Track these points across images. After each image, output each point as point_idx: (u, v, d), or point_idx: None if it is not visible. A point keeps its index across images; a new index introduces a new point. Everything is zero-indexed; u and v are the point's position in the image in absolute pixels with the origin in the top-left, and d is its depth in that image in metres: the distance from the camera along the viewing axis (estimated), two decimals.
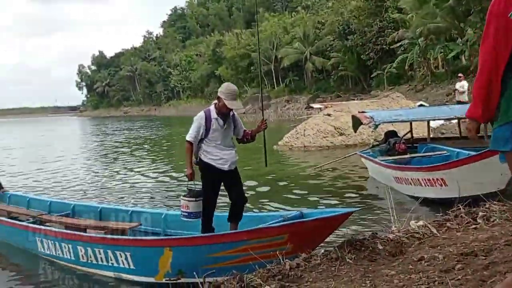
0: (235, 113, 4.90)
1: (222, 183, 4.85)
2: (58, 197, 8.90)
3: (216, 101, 4.75)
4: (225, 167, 4.70)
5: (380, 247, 3.52)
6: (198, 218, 4.83)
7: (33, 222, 6.25)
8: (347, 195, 8.74)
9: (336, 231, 4.76)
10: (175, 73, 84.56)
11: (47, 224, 6.21)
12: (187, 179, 4.90)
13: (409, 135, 10.38)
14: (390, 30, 40.21)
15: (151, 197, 9.75)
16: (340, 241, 5.11)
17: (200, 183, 4.82)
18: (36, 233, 5.81)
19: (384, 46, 40.72)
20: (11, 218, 6.63)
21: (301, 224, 4.33)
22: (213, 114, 4.71)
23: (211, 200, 4.79)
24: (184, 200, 4.86)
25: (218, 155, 4.70)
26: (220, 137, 4.71)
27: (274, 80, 61.62)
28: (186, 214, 4.84)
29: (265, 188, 9.67)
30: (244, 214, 4.94)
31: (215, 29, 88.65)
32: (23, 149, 24.39)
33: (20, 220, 6.46)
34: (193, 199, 4.80)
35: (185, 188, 4.96)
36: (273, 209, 7.72)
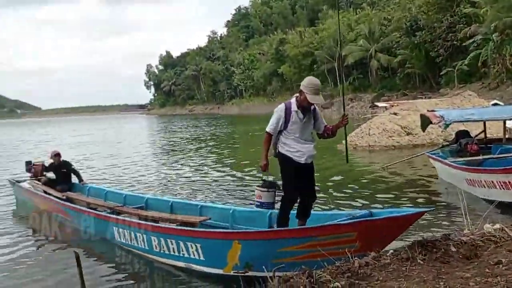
0: (317, 107, 4.87)
1: None
2: (132, 191, 9.36)
3: (297, 94, 4.74)
4: (302, 160, 4.66)
5: (453, 249, 3.42)
6: (270, 209, 5.00)
7: (110, 213, 6.64)
8: (415, 196, 8.51)
9: (405, 232, 4.65)
10: (238, 72, 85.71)
11: (123, 215, 6.56)
12: (262, 171, 4.89)
13: (482, 136, 9.89)
14: (461, 25, 38.31)
15: (219, 193, 9.98)
16: (409, 242, 5.04)
17: (274, 175, 4.93)
18: (113, 222, 6.17)
19: (455, 42, 38.89)
20: (91, 209, 7.08)
21: (371, 222, 4.28)
22: (294, 107, 4.67)
23: (290, 194, 4.75)
24: (258, 190, 5.05)
25: (296, 148, 4.67)
26: (299, 130, 4.67)
27: (338, 78, 60.77)
28: (259, 203, 5.02)
29: (331, 187, 9.61)
30: (312, 212, 4.95)
31: (278, 28, 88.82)
32: (99, 145, 25.78)
33: (98, 211, 6.88)
34: (266, 189, 4.94)
35: (260, 180, 5.15)
36: (340, 207, 7.67)
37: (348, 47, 55.88)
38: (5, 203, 9.82)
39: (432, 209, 6.04)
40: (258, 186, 5.10)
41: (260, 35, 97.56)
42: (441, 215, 6.86)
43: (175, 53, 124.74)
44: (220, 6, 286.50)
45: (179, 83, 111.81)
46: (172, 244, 5.25)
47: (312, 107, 4.75)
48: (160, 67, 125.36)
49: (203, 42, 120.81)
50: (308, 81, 4.65)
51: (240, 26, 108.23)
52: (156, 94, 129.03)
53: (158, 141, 27.71)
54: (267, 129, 4.75)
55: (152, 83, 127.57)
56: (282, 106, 4.75)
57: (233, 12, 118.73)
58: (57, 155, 9.00)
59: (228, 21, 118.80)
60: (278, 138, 4.77)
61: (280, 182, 4.96)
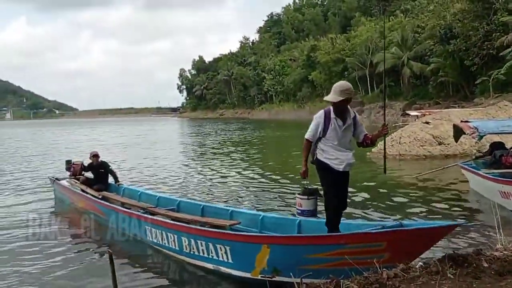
0: (357, 115, 4.87)
1: None
2: (165, 193, 9.58)
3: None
4: (340, 167, 4.63)
5: (485, 265, 3.37)
6: (312, 217, 4.94)
7: (143, 213, 6.82)
8: (446, 207, 8.36)
9: (435, 244, 4.59)
10: (269, 78, 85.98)
11: (155, 216, 6.74)
12: (301, 177, 4.85)
13: None
14: (498, 34, 37.36)
15: (249, 198, 10.09)
16: (439, 255, 4.97)
17: (314, 181, 4.89)
18: (146, 222, 6.34)
19: (491, 51, 37.93)
20: (125, 208, 7.31)
21: (401, 232, 4.23)
22: (333, 114, 4.66)
23: (331, 201, 4.68)
24: (298, 197, 5.03)
25: (334, 155, 4.64)
26: (338, 138, 4.64)
27: (369, 86, 60.15)
28: (300, 211, 5.00)
29: (361, 196, 9.56)
30: (341, 221, 4.93)
31: (309, 34, 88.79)
32: (133, 147, 26.40)
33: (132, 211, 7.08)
34: (306, 197, 4.91)
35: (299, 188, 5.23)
36: (369, 217, 7.62)
37: (380, 55, 55.27)
38: (46, 199, 10.24)
39: (464, 223, 5.93)
40: (298, 193, 5.06)
41: (291, 41, 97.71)
42: (473, 228, 6.71)
43: (208, 58, 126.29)
44: (253, 13, 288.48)
45: (211, 88, 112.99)
46: (202, 245, 5.32)
47: (353, 114, 4.76)
48: (193, 71, 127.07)
49: (235, 47, 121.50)
50: (337, 84, 4.69)
51: (272, 33, 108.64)
52: (188, 98, 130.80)
53: (191, 144, 28.10)
54: (306, 136, 4.75)
55: (184, 87, 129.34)
56: (321, 113, 4.73)
57: (265, 18, 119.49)
58: (95, 155, 9.32)
59: (260, 27, 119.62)
60: (316, 144, 4.75)
61: (321, 189, 4.92)
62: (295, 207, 7.24)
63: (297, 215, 5.04)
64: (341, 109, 4.63)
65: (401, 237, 4.15)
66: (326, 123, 4.65)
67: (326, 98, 4.63)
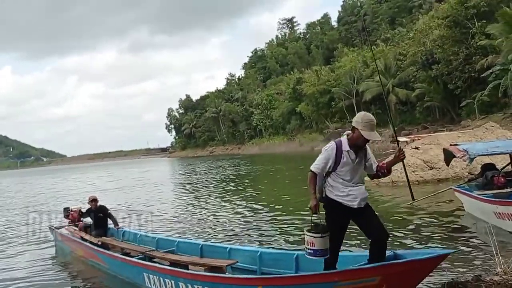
0: (368, 147, 4.47)
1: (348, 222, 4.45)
2: (164, 234, 9.53)
3: (348, 132, 4.39)
4: (354, 204, 4.24)
5: None
6: (325, 256, 4.34)
7: (142, 258, 6.79)
8: (442, 232, 8.35)
9: (432, 272, 4.51)
10: (257, 112, 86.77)
11: (154, 260, 6.71)
12: (310, 212, 4.38)
13: (509, 167, 9.74)
14: (478, 57, 38.44)
15: (246, 233, 10.04)
16: (438, 284, 4.93)
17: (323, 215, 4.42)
18: (144, 268, 6.28)
19: (473, 74, 38.87)
20: (124, 253, 7.29)
21: (394, 265, 4.10)
22: (345, 146, 4.28)
23: (336, 238, 4.35)
24: (309, 236, 4.32)
25: (345, 191, 4.25)
26: (349, 173, 4.27)
27: (356, 114, 60.79)
28: (312, 252, 4.33)
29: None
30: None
31: (294, 68, 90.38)
32: (128, 190, 26.11)
33: (131, 256, 7.05)
34: (319, 234, 4.27)
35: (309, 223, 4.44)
36: (365, 247, 7.57)
37: (365, 83, 56.29)
38: (46, 248, 10.15)
39: (457, 250, 5.86)
40: (308, 230, 4.33)
41: (277, 75, 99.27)
42: (470, 252, 6.69)
43: (195, 96, 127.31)
44: (236, 51, 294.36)
45: (200, 125, 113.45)
46: None
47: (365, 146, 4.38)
48: (181, 110, 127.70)
49: (221, 84, 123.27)
50: (363, 116, 4.29)
51: (257, 68, 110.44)
52: (177, 137, 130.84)
53: (184, 185, 27.84)
54: (313, 168, 4.32)
55: (173, 126, 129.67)
56: (332, 145, 4.32)
57: (250, 55, 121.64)
58: (93, 200, 9.28)
59: (245, 63, 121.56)
60: (325, 180, 4.36)
61: None
62: (290, 238, 7.23)
63: (308, 256, 4.38)
64: (361, 145, 4.29)
65: (395, 270, 4.03)
66: (337, 156, 4.26)
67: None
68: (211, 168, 41.99)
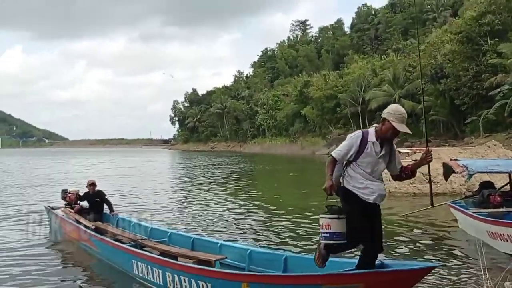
0: (395, 146, 4.32)
1: None
2: (157, 224, 9.58)
3: (376, 124, 4.22)
4: (371, 198, 4.03)
5: None
6: (342, 241, 4.02)
7: (134, 246, 6.83)
8: (433, 246, 8.35)
9: (418, 284, 4.52)
10: (262, 112, 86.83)
11: (145, 248, 6.75)
12: (325, 194, 4.09)
13: (507, 187, 9.72)
14: (487, 74, 38.35)
15: (242, 230, 10.08)
16: None
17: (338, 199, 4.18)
18: (133, 255, 6.32)
19: (481, 91, 38.78)
20: (116, 240, 7.33)
21: (379, 274, 4.04)
22: (371, 137, 4.08)
23: (358, 233, 4.01)
24: (325, 218, 4.01)
25: (364, 184, 4.04)
26: (371, 165, 4.06)
27: (361, 122, 60.82)
28: (328, 235, 4.00)
29: None
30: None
31: (303, 70, 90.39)
32: (128, 178, 26.22)
33: (123, 243, 7.09)
34: (335, 215, 3.98)
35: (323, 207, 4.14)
36: (353, 255, 7.59)
37: (372, 92, 56.30)
38: (41, 228, 10.15)
39: (442, 264, 5.82)
40: (323, 214, 4.04)
41: (285, 76, 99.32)
42: (459, 269, 6.67)
43: (201, 91, 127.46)
44: (248, 47, 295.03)
45: (203, 120, 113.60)
46: (185, 281, 5.32)
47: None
48: (186, 103, 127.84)
49: (229, 81, 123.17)
50: (396, 108, 4.12)
51: (266, 67, 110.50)
52: (180, 130, 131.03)
53: (185, 177, 27.91)
54: (333, 153, 4.12)
55: (177, 118, 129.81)
56: (358, 133, 4.14)
57: (260, 54, 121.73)
58: (92, 184, 9.35)
59: (255, 62, 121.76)
60: (344, 169, 4.16)
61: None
62: (285, 239, 7.20)
63: (324, 240, 4.07)
64: (389, 137, 4.12)
65: (380, 279, 3.99)
66: (361, 145, 4.05)
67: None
68: (212, 164, 42.03)
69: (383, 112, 4.11)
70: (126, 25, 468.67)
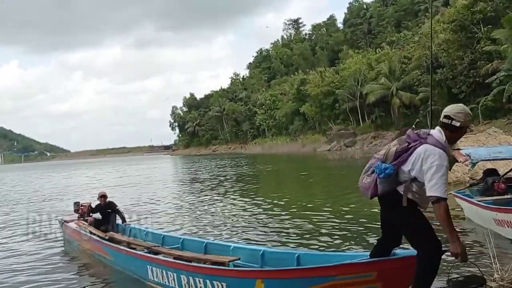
0: None
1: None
2: (169, 231, 9.69)
3: (438, 128, 3.61)
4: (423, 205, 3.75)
5: None
6: None
7: (147, 253, 6.94)
8: (439, 236, 8.40)
9: None
10: (261, 112, 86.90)
11: (159, 255, 6.80)
12: (460, 261, 3.55)
13: (511, 174, 9.79)
14: (483, 62, 38.45)
15: (251, 233, 10.12)
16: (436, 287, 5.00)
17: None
18: (147, 261, 6.43)
19: (477, 79, 38.88)
20: (130, 248, 7.44)
21: (391, 261, 4.11)
22: (446, 148, 3.50)
23: (435, 249, 3.68)
24: None
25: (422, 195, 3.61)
26: None
27: (360, 117, 60.94)
28: None
29: (356, 227, 9.65)
30: (330, 252, 4.89)
31: (299, 68, 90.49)
32: (133, 186, 26.10)
33: (136, 251, 7.18)
34: None
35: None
36: (364, 248, 7.67)
37: (369, 86, 56.42)
38: (54, 241, 10.33)
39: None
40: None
41: (281, 75, 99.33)
42: (468, 258, 6.74)
43: (199, 94, 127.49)
44: (243, 49, 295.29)
45: (203, 124, 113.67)
46: (200, 282, 5.36)
47: None
48: (185, 108, 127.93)
49: (225, 84, 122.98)
50: (462, 109, 3.57)
51: (262, 68, 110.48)
52: (180, 135, 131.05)
53: (189, 183, 27.89)
54: (444, 194, 3.39)
55: (176, 124, 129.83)
56: (442, 154, 3.42)
57: (255, 54, 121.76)
58: (102, 196, 9.49)
59: (250, 63, 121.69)
60: (411, 185, 3.61)
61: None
62: (295, 239, 7.20)
63: None
64: (456, 140, 3.70)
65: (391, 266, 4.06)
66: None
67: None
68: (215, 167, 42.08)
69: (450, 112, 3.53)
70: (120, 33, 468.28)
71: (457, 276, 4.09)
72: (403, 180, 3.60)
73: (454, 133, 3.53)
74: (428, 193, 3.39)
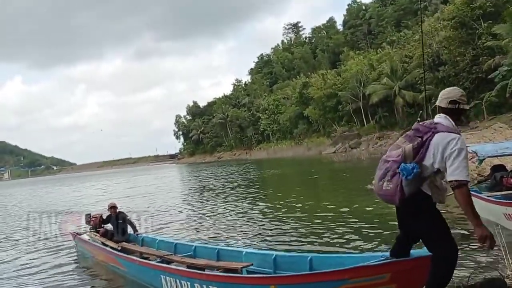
0: None
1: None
2: (181, 239, 9.74)
3: (441, 114, 3.59)
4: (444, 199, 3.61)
5: None
6: None
7: (160, 262, 6.98)
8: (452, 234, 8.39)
9: None
10: (264, 117, 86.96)
11: (172, 264, 6.87)
12: (482, 243, 3.33)
13: None
14: (485, 57, 38.40)
15: (262, 237, 10.18)
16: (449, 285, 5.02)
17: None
18: (160, 271, 6.46)
19: (480, 75, 38.81)
20: (143, 258, 7.51)
21: (403, 262, 4.08)
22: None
23: (451, 248, 3.51)
24: None
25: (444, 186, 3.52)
26: None
27: (364, 117, 60.86)
28: None
29: (364, 228, 9.66)
30: (343, 254, 4.89)
31: (300, 72, 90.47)
32: (142, 197, 26.15)
33: (149, 260, 7.26)
34: None
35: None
36: (370, 249, 7.69)
37: (371, 86, 56.38)
38: (68, 254, 10.47)
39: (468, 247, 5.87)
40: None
41: (283, 80, 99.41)
42: (480, 253, 6.74)
43: (202, 102, 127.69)
44: (243, 54, 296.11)
45: (207, 131, 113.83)
46: None
47: None
48: (188, 117, 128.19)
49: (228, 90, 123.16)
50: (458, 90, 3.66)
51: (264, 73, 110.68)
52: (185, 143, 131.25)
53: (197, 191, 27.92)
54: (467, 177, 3.27)
55: (181, 132, 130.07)
56: (459, 137, 3.36)
57: (256, 60, 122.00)
58: (112, 207, 9.60)
59: (252, 68, 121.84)
60: (435, 179, 3.48)
61: None
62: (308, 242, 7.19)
63: None
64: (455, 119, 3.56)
65: (404, 267, 4.04)
66: None
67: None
68: (222, 173, 42.08)
69: (447, 96, 3.59)
70: (120, 45, 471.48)
71: (478, 279, 4.01)
72: (427, 176, 3.46)
73: (458, 115, 3.56)
74: (449, 178, 3.28)
